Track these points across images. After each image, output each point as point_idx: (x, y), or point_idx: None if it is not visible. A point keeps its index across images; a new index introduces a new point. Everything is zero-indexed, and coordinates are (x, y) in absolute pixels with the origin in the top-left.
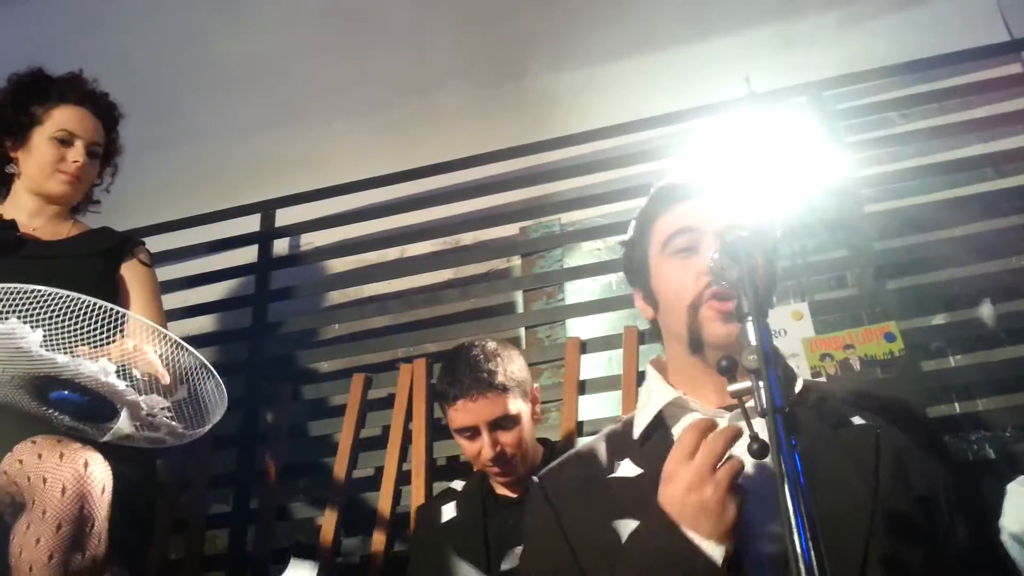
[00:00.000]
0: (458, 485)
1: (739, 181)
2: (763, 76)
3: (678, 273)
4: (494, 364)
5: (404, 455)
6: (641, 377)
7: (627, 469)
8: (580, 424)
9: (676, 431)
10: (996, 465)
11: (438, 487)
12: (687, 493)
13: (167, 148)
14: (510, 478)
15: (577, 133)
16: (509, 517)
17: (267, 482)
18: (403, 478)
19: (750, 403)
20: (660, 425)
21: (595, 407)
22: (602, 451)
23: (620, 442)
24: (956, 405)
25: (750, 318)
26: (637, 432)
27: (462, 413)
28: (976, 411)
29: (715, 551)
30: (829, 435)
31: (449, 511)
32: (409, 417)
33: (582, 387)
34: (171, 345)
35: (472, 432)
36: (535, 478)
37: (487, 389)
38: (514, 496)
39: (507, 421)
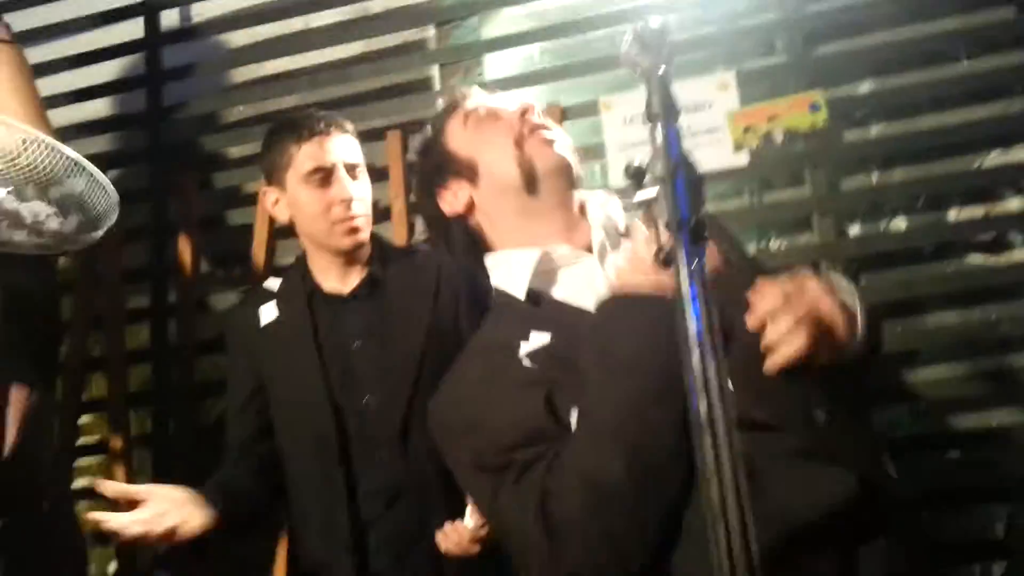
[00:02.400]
0: (273, 284)
1: None
2: None
3: (492, 128)
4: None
5: None
6: None
7: (538, 339)
8: None
9: (561, 290)
10: (908, 236)
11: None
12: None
13: None
14: (359, 238)
15: None
16: (342, 314)
17: (183, 274)
18: None
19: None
20: (539, 294)
21: None
22: (501, 336)
23: (511, 314)
24: (874, 176)
25: (659, 119)
26: (521, 294)
27: (317, 149)
28: (893, 182)
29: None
30: None
31: (269, 312)
32: None
33: None
34: (44, 147)
35: (325, 175)
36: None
37: (341, 131)
38: (345, 293)
39: (359, 171)
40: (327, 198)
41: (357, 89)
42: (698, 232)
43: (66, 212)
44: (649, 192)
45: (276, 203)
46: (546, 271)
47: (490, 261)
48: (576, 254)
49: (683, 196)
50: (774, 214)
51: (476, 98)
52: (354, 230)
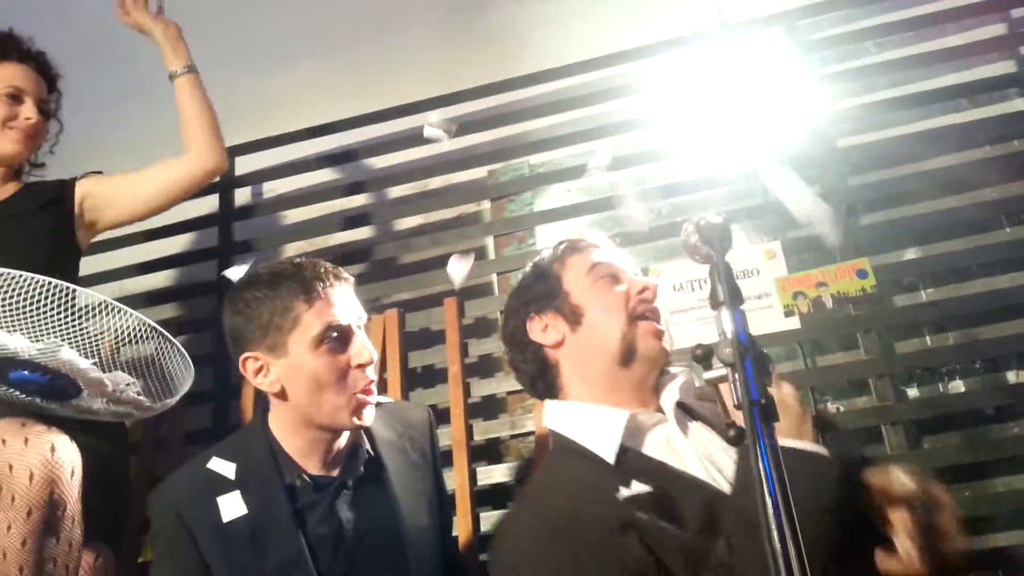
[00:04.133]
0: (222, 468)
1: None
2: (735, 6)
3: (610, 292)
4: None
5: None
6: None
7: (638, 487)
8: None
9: (647, 448)
10: (968, 398)
11: None
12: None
13: (120, 99)
14: (368, 417)
15: (543, 71)
16: (335, 503)
17: None
18: None
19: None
20: (624, 449)
21: None
22: (581, 477)
23: (596, 472)
24: (928, 339)
25: (725, 306)
26: (611, 457)
27: (328, 306)
28: (947, 345)
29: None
30: None
31: (232, 505)
32: (383, 367)
33: None
34: (134, 320)
35: (343, 336)
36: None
37: (344, 281)
38: (333, 475)
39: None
40: (342, 363)
41: (416, 258)
42: (768, 412)
43: (144, 379)
44: (718, 371)
45: (262, 371)
46: (633, 430)
47: (565, 408)
48: (656, 418)
49: (752, 378)
50: (829, 377)
51: (605, 253)
52: (364, 406)
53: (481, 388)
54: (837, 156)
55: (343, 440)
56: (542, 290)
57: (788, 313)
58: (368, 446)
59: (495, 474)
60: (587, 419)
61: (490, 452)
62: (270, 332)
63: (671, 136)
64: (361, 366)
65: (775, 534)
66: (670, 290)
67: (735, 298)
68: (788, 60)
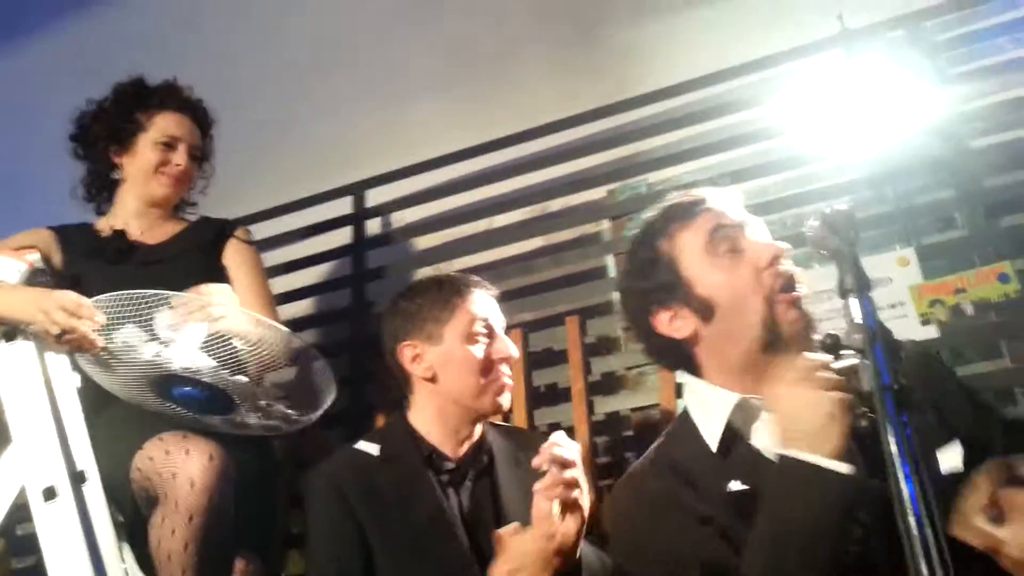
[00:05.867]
0: (368, 448)
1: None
2: (857, 11)
3: (737, 272)
4: None
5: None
6: None
7: (736, 486)
8: (679, 386)
9: (754, 440)
10: None
11: None
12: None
13: (258, 135)
14: (506, 401)
15: (660, 89)
16: (461, 485)
17: None
18: None
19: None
20: (735, 435)
21: None
22: (685, 463)
23: (700, 457)
24: None
25: (853, 293)
26: (713, 444)
27: (480, 305)
28: None
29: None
30: None
31: (379, 476)
32: None
33: None
34: (277, 333)
35: (488, 332)
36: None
37: (491, 290)
38: (456, 462)
39: None
40: (488, 355)
41: (538, 279)
42: (903, 395)
43: (290, 396)
44: (848, 361)
45: (417, 358)
46: (744, 416)
47: (691, 384)
48: None
49: (883, 363)
50: (972, 386)
51: (716, 214)
52: (504, 390)
53: (604, 406)
54: (971, 158)
55: (476, 433)
56: (661, 280)
57: (925, 322)
58: (491, 447)
59: None
60: (703, 399)
61: (614, 470)
62: (428, 322)
63: (796, 146)
64: (504, 359)
65: (913, 525)
66: None
67: (863, 284)
68: (914, 63)
